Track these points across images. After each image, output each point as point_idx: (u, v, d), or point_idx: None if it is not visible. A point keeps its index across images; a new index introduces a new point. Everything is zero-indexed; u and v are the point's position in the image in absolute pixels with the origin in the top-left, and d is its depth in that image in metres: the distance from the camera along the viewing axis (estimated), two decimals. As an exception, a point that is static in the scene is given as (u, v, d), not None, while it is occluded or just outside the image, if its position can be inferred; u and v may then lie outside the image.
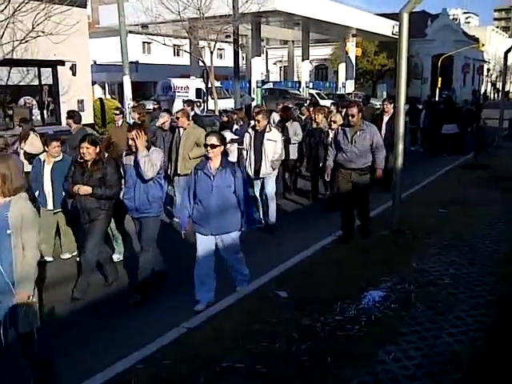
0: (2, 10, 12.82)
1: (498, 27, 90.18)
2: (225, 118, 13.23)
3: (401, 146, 7.94)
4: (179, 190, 8.48)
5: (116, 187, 6.03)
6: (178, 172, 8.65)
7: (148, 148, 5.88)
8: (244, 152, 8.83)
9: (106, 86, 39.01)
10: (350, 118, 7.56)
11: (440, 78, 48.74)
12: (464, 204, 9.75)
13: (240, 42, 28.44)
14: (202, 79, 28.11)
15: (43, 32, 13.50)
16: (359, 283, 5.99)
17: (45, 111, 18.86)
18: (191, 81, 32.50)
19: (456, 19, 68.45)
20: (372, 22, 42.80)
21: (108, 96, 35.24)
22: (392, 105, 12.77)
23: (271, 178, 8.51)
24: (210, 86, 24.23)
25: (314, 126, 10.62)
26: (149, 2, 24.31)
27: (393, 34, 43.24)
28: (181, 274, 6.66)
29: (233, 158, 10.30)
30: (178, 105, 29.36)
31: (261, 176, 8.41)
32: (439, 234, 7.92)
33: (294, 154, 10.75)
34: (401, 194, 8.29)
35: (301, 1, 31.40)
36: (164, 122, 9.24)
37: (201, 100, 29.73)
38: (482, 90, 70.51)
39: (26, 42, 13.64)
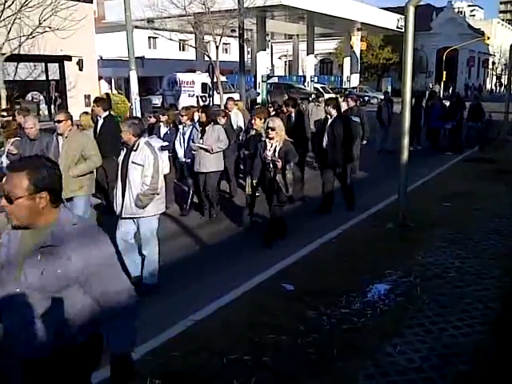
0: (10, 6, 12.89)
1: (503, 20, 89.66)
2: (152, 119, 10.67)
3: (406, 141, 7.95)
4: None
5: None
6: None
7: None
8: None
9: (113, 81, 38.99)
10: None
11: (445, 72, 48.56)
12: (469, 197, 9.75)
13: (245, 37, 28.40)
14: (207, 74, 28.12)
15: (50, 27, 13.58)
16: (364, 276, 6.02)
17: (52, 106, 18.94)
18: (197, 75, 32.51)
19: (461, 12, 68.11)
20: (377, 15, 42.68)
21: (114, 91, 35.26)
22: (342, 98, 13.14)
23: (145, 220, 5.95)
24: (215, 80, 24.24)
25: (253, 132, 8.86)
26: (154, -3, 24.34)
27: (398, 27, 43.15)
28: (188, 268, 6.73)
29: (165, 169, 8.84)
30: (183, 99, 29.46)
31: (124, 216, 5.92)
32: (444, 227, 7.94)
33: (217, 165, 8.74)
34: (406, 187, 8.31)
35: (306, -5, 31.36)
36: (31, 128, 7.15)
37: (206, 94, 29.77)
38: (488, 84, 70.21)
39: (33, 37, 13.72)
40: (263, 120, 8.29)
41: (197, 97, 30.24)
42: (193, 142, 8.80)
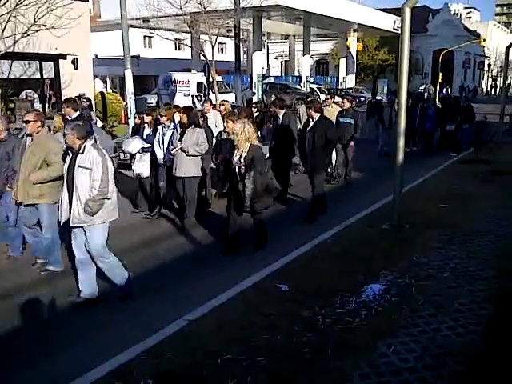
0: (4, 3, 12.82)
1: (499, 22, 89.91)
2: (136, 120, 10.39)
3: (402, 142, 7.96)
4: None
5: None
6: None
7: None
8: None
9: (108, 79, 38.95)
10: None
11: (441, 73, 48.66)
12: (464, 198, 9.78)
13: (241, 37, 28.39)
14: (203, 73, 28.07)
15: (45, 25, 13.50)
16: (360, 276, 6.02)
17: (46, 105, 18.86)
18: (192, 75, 32.45)
19: (457, 14, 68.26)
20: (373, 16, 42.71)
21: (109, 90, 35.19)
22: (332, 99, 13.04)
23: (95, 229, 5.50)
24: (211, 80, 24.21)
25: (225, 136, 8.83)
26: (150, -4, 24.28)
27: (394, 28, 43.18)
28: (182, 269, 6.73)
29: (145, 172, 9.01)
30: (178, 99, 29.39)
31: (72, 225, 5.52)
32: (439, 228, 7.95)
33: (195, 171, 8.38)
34: (401, 188, 8.32)
35: (302, -5, 31.36)
36: None
37: (202, 94, 29.71)
38: (483, 86, 70.42)
39: (28, 35, 13.65)
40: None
41: (192, 96, 30.18)
42: (172, 145, 8.41)
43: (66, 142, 5.49)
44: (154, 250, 7.44)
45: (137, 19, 27.55)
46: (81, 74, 18.55)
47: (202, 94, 29.55)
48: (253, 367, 4.20)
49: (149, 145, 8.84)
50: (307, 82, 40.35)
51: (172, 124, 8.79)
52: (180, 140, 8.23)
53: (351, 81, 47.54)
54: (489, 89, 72.36)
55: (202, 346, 4.54)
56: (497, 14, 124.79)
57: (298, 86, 38.07)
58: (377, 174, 12.45)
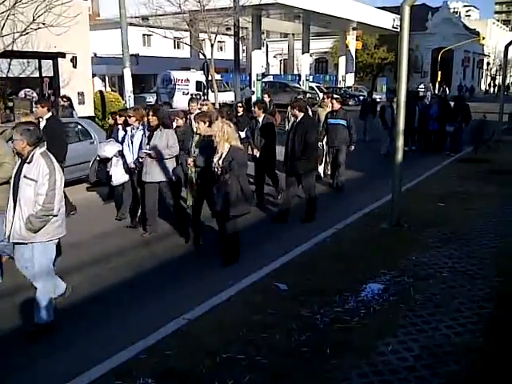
0: (3, 1, 12.79)
1: (498, 20, 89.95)
2: (110, 121, 9.83)
3: (401, 141, 7.96)
4: None
5: None
6: None
7: None
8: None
9: (107, 78, 38.90)
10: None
11: (440, 72, 48.70)
12: (463, 198, 9.79)
13: (240, 35, 28.38)
14: (202, 72, 28.06)
15: (44, 24, 13.47)
16: (358, 276, 6.03)
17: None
18: (191, 73, 32.48)
19: (456, 12, 68.23)
20: (372, 15, 42.72)
21: (108, 88, 35.15)
22: (329, 99, 11.87)
23: (36, 248, 4.92)
24: (210, 78, 24.18)
25: (196, 138, 7.74)
26: (149, -6, 24.27)
27: (393, 27, 43.23)
28: (182, 268, 6.73)
29: (122, 177, 8.53)
30: (178, 97, 29.41)
31: (12, 240, 4.97)
32: (438, 227, 7.96)
33: (167, 175, 7.76)
34: (400, 187, 8.32)
35: (301, -7, 31.36)
36: None
37: (201, 93, 29.71)
38: (482, 84, 70.43)
39: (27, 33, 13.61)
40: (207, 124, 7.11)
41: (191, 95, 30.19)
42: (141, 148, 7.88)
43: (15, 148, 4.96)
44: (152, 249, 7.44)
45: (136, 17, 27.47)
46: (80, 72, 18.50)
47: (201, 93, 29.56)
48: (252, 366, 4.21)
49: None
50: (306, 80, 40.34)
51: (141, 125, 8.16)
52: (148, 143, 7.70)
53: (350, 79, 47.59)
54: (487, 87, 72.38)
55: (201, 345, 4.55)
56: (496, 12, 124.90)
57: (297, 85, 38.09)
58: (376, 173, 12.45)
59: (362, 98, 39.37)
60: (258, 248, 7.31)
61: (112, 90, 31.34)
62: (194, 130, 7.60)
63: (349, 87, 43.80)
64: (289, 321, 4.96)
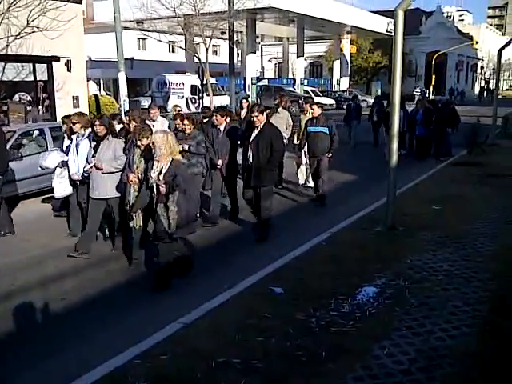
0: (-3, 6, 12.80)
1: (491, 25, 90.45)
2: (64, 127, 8.80)
3: (395, 145, 7.98)
4: None
5: None
6: None
7: None
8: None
9: (101, 82, 38.90)
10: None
11: (434, 76, 48.91)
12: (458, 201, 9.81)
13: (235, 39, 28.44)
14: (197, 76, 28.11)
15: (38, 28, 13.50)
16: (354, 279, 6.03)
17: (40, 107, 18.80)
18: (186, 77, 32.48)
19: (450, 17, 68.69)
20: (367, 19, 42.96)
21: (103, 92, 35.17)
22: (308, 105, 11.02)
23: None
24: (205, 82, 24.22)
25: (138, 152, 7.05)
26: (144, -2, 24.29)
27: (387, 31, 43.44)
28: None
29: (66, 189, 7.90)
30: (173, 101, 29.39)
31: None
32: (433, 230, 7.97)
33: (115, 191, 7.08)
34: (395, 190, 8.33)
35: (296, -2, 31.48)
36: None
37: (196, 97, 29.74)
38: (476, 88, 70.73)
39: (21, 37, 13.64)
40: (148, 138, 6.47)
41: (186, 99, 30.22)
42: (87, 161, 7.20)
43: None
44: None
45: (130, 21, 27.55)
46: (74, 76, 18.50)
47: (196, 97, 29.59)
48: (247, 370, 4.20)
49: (68, 158, 7.72)
50: (301, 84, 40.46)
51: (88, 132, 7.50)
52: (94, 155, 7.03)
53: (345, 83, 47.76)
54: (478, 92, 72.71)
55: (196, 349, 4.53)
56: (489, 17, 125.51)
57: (292, 89, 38.18)
58: (370, 176, 12.47)
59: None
60: (252, 251, 7.31)
61: (107, 94, 31.39)
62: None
63: (343, 91, 43.92)
64: (284, 324, 4.95)
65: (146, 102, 32.66)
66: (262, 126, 7.67)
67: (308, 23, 38.56)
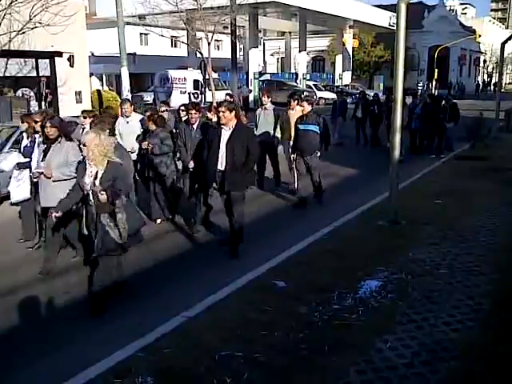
0: (-1, 1, 12.80)
1: (494, 18, 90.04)
2: (23, 125, 8.05)
3: (397, 138, 7.97)
4: None
5: None
6: None
7: None
8: None
9: (104, 77, 38.89)
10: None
11: (437, 70, 48.73)
12: (460, 195, 9.80)
13: (237, 34, 28.38)
14: (199, 71, 28.07)
15: (40, 23, 13.49)
16: (356, 273, 6.04)
17: (43, 103, 18.82)
18: (189, 72, 32.44)
19: (453, 10, 68.27)
20: (369, 13, 42.80)
21: (106, 88, 35.14)
22: (296, 102, 10.33)
23: None
24: (207, 77, 24.19)
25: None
26: (146, -7, 24.25)
27: (390, 25, 43.25)
28: (180, 266, 6.73)
29: (23, 193, 7.10)
30: (175, 96, 29.39)
31: None
32: (436, 224, 7.97)
33: None
34: (397, 184, 8.33)
35: (298, -8, 31.40)
36: None
37: (198, 91, 29.73)
38: (480, 81, 70.47)
39: (24, 33, 13.64)
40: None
41: (189, 94, 30.21)
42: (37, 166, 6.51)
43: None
44: (151, 248, 7.43)
45: (133, 16, 27.49)
46: (77, 71, 18.52)
47: (198, 92, 29.57)
48: (250, 364, 4.22)
49: (27, 159, 7.06)
50: (303, 78, 40.35)
51: (33, 133, 7.14)
52: (43, 159, 6.30)
53: (347, 77, 47.62)
54: (480, 86, 72.45)
55: (199, 342, 4.55)
56: (492, 10, 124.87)
57: (295, 83, 38.11)
58: (372, 170, 12.46)
59: (356, 96, 39.45)
60: (254, 245, 7.30)
61: (109, 89, 31.36)
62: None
63: (346, 85, 43.80)
64: (287, 318, 4.96)
65: (148, 97, 32.72)
66: (233, 126, 6.78)
67: (310, 17, 38.43)
